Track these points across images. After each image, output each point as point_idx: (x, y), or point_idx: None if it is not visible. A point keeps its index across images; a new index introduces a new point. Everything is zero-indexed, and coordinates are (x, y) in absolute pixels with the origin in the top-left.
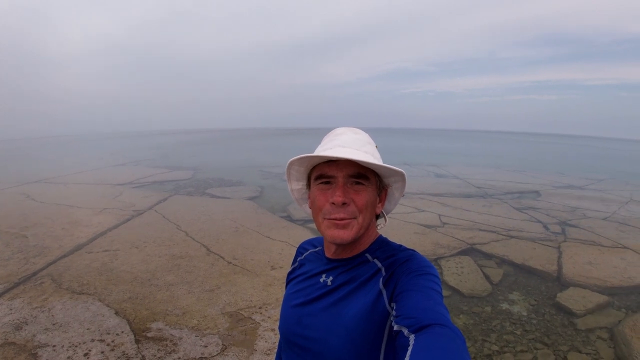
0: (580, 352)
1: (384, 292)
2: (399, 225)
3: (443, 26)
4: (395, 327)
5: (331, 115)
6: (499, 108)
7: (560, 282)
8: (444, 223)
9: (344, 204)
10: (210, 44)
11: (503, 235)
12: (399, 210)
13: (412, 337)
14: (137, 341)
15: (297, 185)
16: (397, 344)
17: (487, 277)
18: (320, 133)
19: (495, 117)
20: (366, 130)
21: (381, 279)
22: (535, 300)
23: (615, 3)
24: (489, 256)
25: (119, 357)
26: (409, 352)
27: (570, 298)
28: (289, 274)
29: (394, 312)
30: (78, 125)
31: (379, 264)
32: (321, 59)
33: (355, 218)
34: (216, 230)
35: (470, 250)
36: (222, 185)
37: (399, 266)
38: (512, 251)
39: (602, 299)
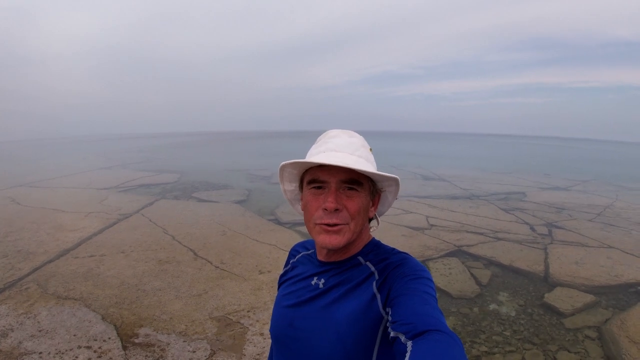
0: (569, 351)
1: (378, 295)
2: (386, 228)
3: (430, 30)
4: (392, 334)
5: (319, 118)
6: (485, 111)
7: (547, 282)
8: (432, 225)
9: (336, 210)
10: (196, 45)
11: (490, 236)
12: (386, 212)
13: (409, 344)
14: (124, 347)
15: (290, 187)
16: (394, 350)
17: (475, 279)
18: (308, 136)
19: (482, 119)
20: (356, 133)
21: (374, 283)
22: (524, 300)
23: (600, 8)
24: (476, 257)
25: None
26: (406, 359)
27: (557, 298)
28: (281, 276)
29: (389, 318)
30: (63, 128)
31: (372, 267)
32: (307, 62)
33: (347, 224)
34: (203, 234)
35: (457, 252)
36: (209, 188)
37: (392, 270)
38: (499, 252)
39: (589, 298)
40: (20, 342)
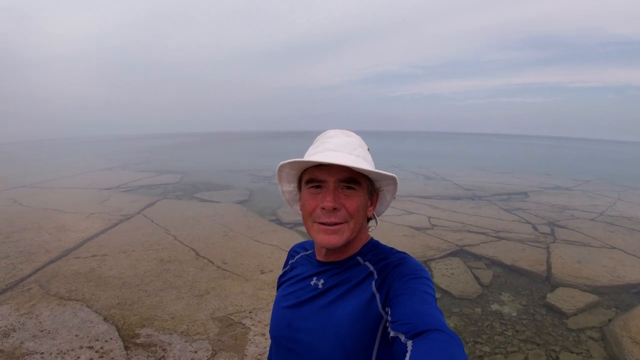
0: (571, 352)
1: (377, 295)
2: (388, 228)
3: (430, 29)
4: (392, 334)
5: (319, 117)
6: (484, 110)
7: (549, 282)
8: (434, 225)
9: (334, 209)
10: (196, 46)
11: (492, 236)
12: (388, 212)
13: (409, 344)
14: (126, 347)
15: (288, 187)
16: (394, 350)
17: (477, 279)
18: (308, 136)
19: (481, 119)
20: (355, 133)
21: (373, 282)
22: (526, 300)
23: (599, 6)
24: (478, 257)
25: None
26: (407, 359)
27: (560, 298)
28: (280, 277)
29: (389, 318)
30: (64, 129)
31: (371, 267)
32: (307, 62)
33: (346, 222)
34: (205, 235)
35: (460, 252)
36: (211, 189)
37: (391, 270)
38: (501, 252)
39: (591, 298)
40: (22, 342)
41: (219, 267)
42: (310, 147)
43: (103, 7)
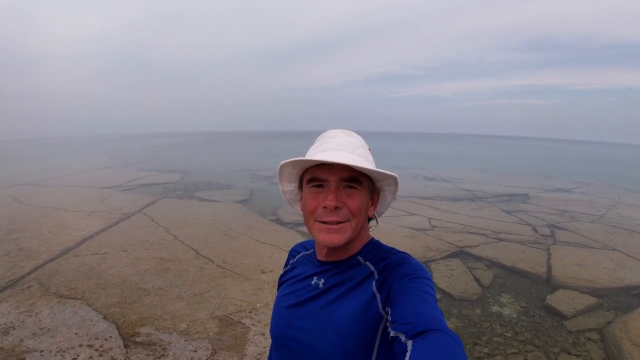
0: (570, 353)
1: (378, 295)
2: (388, 229)
3: (430, 30)
4: (392, 333)
5: (319, 117)
6: (486, 112)
7: (549, 284)
8: (434, 226)
9: (336, 207)
10: (196, 46)
11: (492, 237)
12: (388, 213)
13: (409, 343)
14: (125, 346)
15: (289, 187)
16: (394, 350)
17: (477, 280)
18: (308, 136)
19: (483, 121)
20: (356, 133)
21: (374, 282)
22: (525, 302)
23: (602, 9)
24: (478, 259)
25: None
26: (407, 359)
27: (560, 300)
28: (281, 276)
29: (389, 317)
30: (66, 128)
31: (372, 267)
32: (307, 62)
33: (348, 221)
34: (205, 234)
35: (460, 253)
36: (211, 188)
37: (392, 270)
38: (501, 254)
39: (591, 300)
40: (21, 340)
41: (219, 266)
42: (312, 147)
43: (103, 7)
